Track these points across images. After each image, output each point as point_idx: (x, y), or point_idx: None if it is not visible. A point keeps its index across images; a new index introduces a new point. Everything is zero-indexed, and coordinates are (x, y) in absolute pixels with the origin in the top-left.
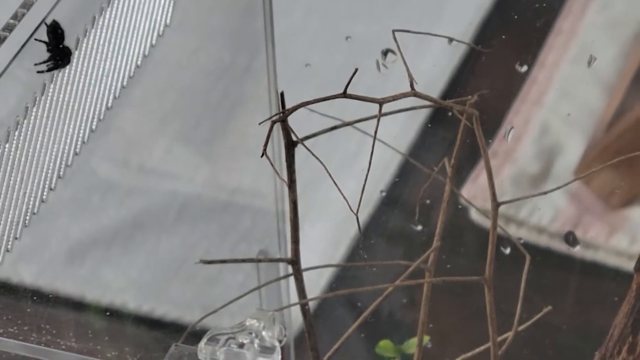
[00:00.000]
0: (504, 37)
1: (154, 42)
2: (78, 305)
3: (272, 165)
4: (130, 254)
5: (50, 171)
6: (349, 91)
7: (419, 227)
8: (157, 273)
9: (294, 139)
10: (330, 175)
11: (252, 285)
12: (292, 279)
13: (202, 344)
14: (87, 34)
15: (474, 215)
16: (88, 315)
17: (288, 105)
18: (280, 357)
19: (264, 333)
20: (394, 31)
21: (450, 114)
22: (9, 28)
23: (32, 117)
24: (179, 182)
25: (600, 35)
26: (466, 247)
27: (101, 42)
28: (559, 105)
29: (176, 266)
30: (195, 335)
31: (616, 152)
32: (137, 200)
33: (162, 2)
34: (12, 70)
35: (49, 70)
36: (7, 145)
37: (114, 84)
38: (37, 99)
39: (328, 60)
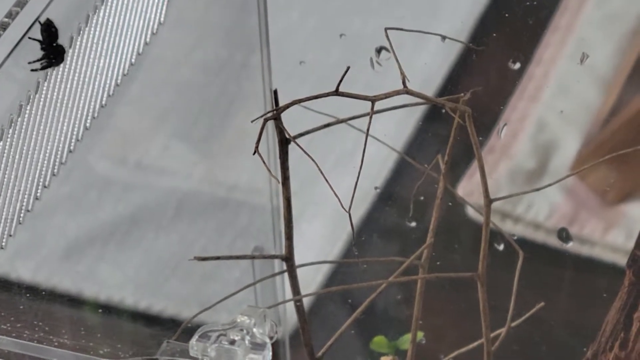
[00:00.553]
0: (496, 35)
1: (148, 40)
2: (75, 302)
3: (264, 163)
4: (127, 251)
5: (44, 169)
6: (342, 89)
7: (413, 224)
8: (154, 269)
9: (287, 136)
10: (322, 174)
11: (248, 281)
12: (286, 275)
13: (193, 340)
14: (81, 32)
15: (470, 211)
16: (84, 312)
17: (282, 103)
18: (270, 353)
19: (254, 330)
20: (386, 29)
21: (444, 111)
22: (3, 26)
23: (26, 115)
24: (176, 178)
25: (596, 31)
26: (461, 244)
27: (95, 41)
28: (555, 101)
29: (173, 263)
30: (190, 331)
31: (612, 148)
32: (135, 196)
33: (156, 0)
34: (6, 68)
35: (42, 68)
36: (0, 143)
37: (108, 82)
38: (31, 97)
39: (322, 57)
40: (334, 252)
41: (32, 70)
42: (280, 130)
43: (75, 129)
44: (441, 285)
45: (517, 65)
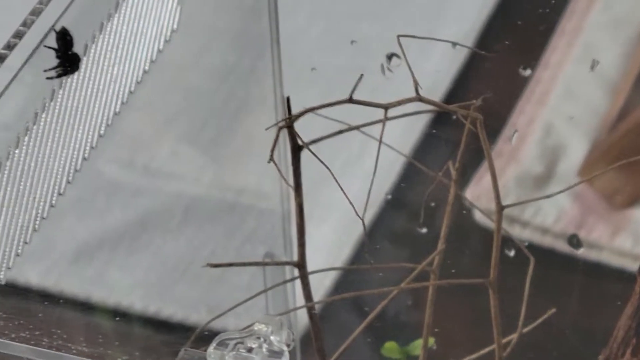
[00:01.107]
0: (507, 42)
1: (161, 47)
2: (85, 307)
3: (278, 170)
4: (136, 255)
5: (59, 176)
6: (354, 96)
7: (424, 230)
8: (163, 274)
9: (300, 143)
10: (336, 180)
11: (258, 286)
12: (298, 282)
13: (211, 348)
14: (95, 40)
15: (478, 216)
16: (96, 317)
17: (294, 110)
18: None
19: (272, 338)
20: (399, 36)
21: (454, 117)
22: (19, 35)
23: (42, 123)
24: (184, 183)
25: (603, 35)
26: (471, 249)
27: (109, 48)
28: (562, 105)
29: (182, 267)
30: (201, 337)
31: (620, 152)
32: (143, 201)
33: (169, 8)
34: (22, 76)
35: (58, 76)
36: (16, 151)
37: (121, 89)
38: (47, 105)
39: (333, 63)
40: (342, 257)
41: (48, 78)
42: (294, 137)
43: (90, 137)
44: (452, 291)
45: (528, 72)
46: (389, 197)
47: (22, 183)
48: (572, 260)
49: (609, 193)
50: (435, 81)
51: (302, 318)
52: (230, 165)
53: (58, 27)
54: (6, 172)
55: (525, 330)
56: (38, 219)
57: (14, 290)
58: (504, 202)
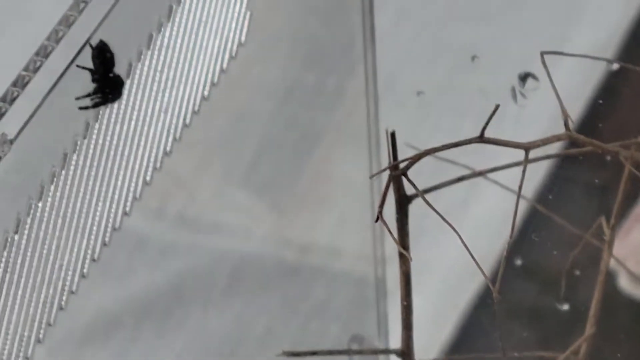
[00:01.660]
0: None
1: (224, 66)
2: None
3: (389, 231)
4: (167, 333)
5: (93, 237)
6: (471, 125)
7: (565, 306)
8: (202, 356)
9: (416, 191)
10: (462, 241)
11: None
12: None
13: None
14: (142, 58)
15: (623, 283)
16: None
17: (400, 148)
18: None
19: None
20: (542, 53)
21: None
22: (45, 52)
23: (72, 167)
24: (231, 237)
25: None
26: (620, 328)
27: (159, 68)
28: None
29: (228, 348)
30: None
31: None
32: (176, 261)
33: (236, 14)
34: (47, 107)
35: (94, 106)
36: (39, 204)
37: (174, 122)
38: (79, 143)
39: (446, 85)
40: (443, 334)
41: (81, 108)
42: (400, 186)
43: (133, 184)
44: None
45: None
46: (511, 257)
47: (45, 247)
48: None
49: None
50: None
51: None
52: (293, 214)
53: (94, 42)
54: (26, 231)
55: None
56: (65, 292)
57: None
58: None
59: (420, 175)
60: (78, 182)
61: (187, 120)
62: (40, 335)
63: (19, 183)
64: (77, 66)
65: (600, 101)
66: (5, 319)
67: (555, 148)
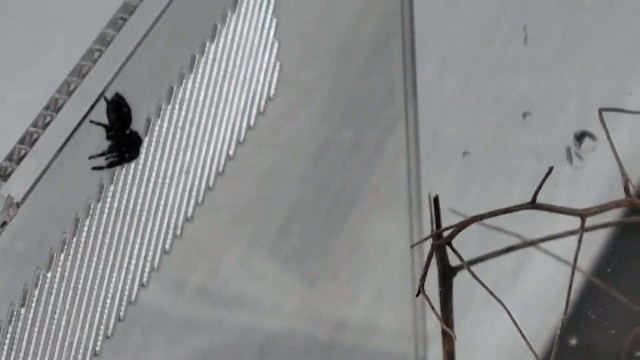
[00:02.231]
0: None
1: (252, 122)
2: None
3: (431, 306)
4: None
5: (106, 312)
6: (521, 190)
7: None
8: None
9: (462, 263)
10: (512, 319)
11: None
12: None
13: None
14: (161, 112)
15: None
16: None
17: (444, 215)
18: None
19: None
20: (600, 110)
21: None
22: (55, 106)
23: (84, 234)
24: (257, 312)
25: None
26: None
27: (180, 125)
28: None
29: None
30: None
31: None
32: (197, 338)
33: (265, 66)
34: (57, 167)
35: (109, 166)
36: (48, 274)
37: (196, 184)
38: (91, 207)
39: (495, 146)
40: None
41: (94, 168)
42: (444, 256)
43: (150, 254)
44: None
45: None
46: (573, 341)
47: (54, 321)
48: None
49: None
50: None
51: None
52: (325, 286)
53: (110, 95)
54: (33, 304)
55: None
56: None
57: None
58: None
59: (465, 244)
60: (90, 250)
61: (211, 183)
62: None
63: (26, 251)
64: (91, 122)
65: None
66: None
67: (614, 215)
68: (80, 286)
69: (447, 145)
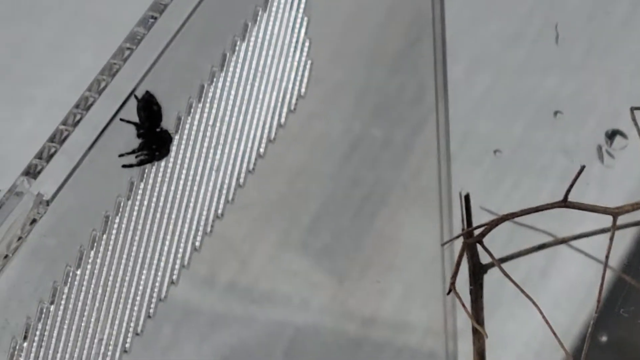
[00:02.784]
0: None
1: (282, 120)
2: None
3: (461, 302)
4: None
5: (136, 309)
6: (550, 188)
7: None
8: None
9: (493, 260)
10: (543, 316)
11: None
12: None
13: None
14: (192, 110)
15: None
16: None
17: (474, 211)
18: None
19: None
20: (632, 109)
21: None
22: (86, 104)
23: (114, 231)
24: (287, 308)
25: None
26: None
27: (210, 123)
28: None
29: None
30: None
31: None
32: (227, 334)
33: (295, 64)
34: (88, 164)
35: (140, 164)
36: (78, 271)
37: (226, 181)
38: (122, 204)
39: (526, 144)
40: None
41: (125, 166)
42: (475, 254)
43: (181, 251)
44: None
45: None
46: (604, 338)
47: (84, 318)
48: None
49: None
50: None
51: None
52: (355, 283)
53: (140, 93)
54: (63, 301)
55: None
56: None
57: None
58: None
59: (495, 242)
60: (120, 248)
61: (241, 180)
62: None
63: (56, 248)
64: (121, 120)
65: None
66: None
67: None
68: (110, 283)
69: (477, 143)
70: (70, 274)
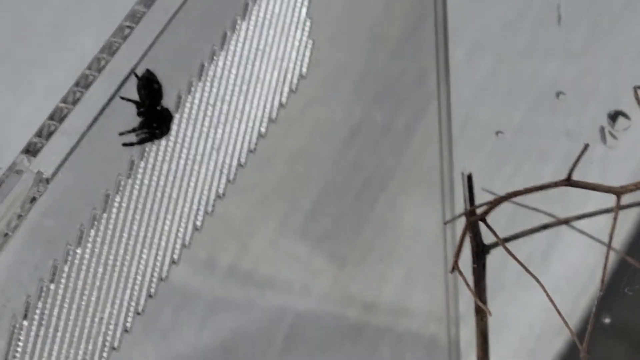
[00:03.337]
0: None
1: (283, 100)
2: None
3: (466, 283)
4: None
5: (137, 288)
6: (552, 168)
7: None
8: None
9: (497, 240)
10: (549, 296)
11: None
12: None
13: None
14: (192, 89)
15: None
16: None
17: (476, 194)
18: None
19: None
20: (635, 88)
21: None
22: (85, 83)
23: (114, 210)
24: (288, 293)
25: None
26: None
27: (211, 102)
28: None
29: None
30: None
31: None
32: (226, 318)
33: (297, 44)
34: (87, 143)
35: (140, 142)
36: (78, 250)
37: (227, 161)
38: (122, 183)
39: (528, 126)
40: None
41: (125, 144)
42: (477, 233)
43: (182, 231)
44: None
45: None
46: (607, 319)
47: (84, 297)
48: None
49: None
50: None
51: None
52: (356, 267)
53: (140, 71)
54: (63, 280)
55: None
56: (106, 350)
57: None
58: None
59: (496, 223)
60: (121, 227)
61: (242, 160)
62: None
63: (56, 227)
64: (121, 98)
65: None
66: None
67: None
68: (110, 262)
69: (479, 125)
70: (71, 253)
